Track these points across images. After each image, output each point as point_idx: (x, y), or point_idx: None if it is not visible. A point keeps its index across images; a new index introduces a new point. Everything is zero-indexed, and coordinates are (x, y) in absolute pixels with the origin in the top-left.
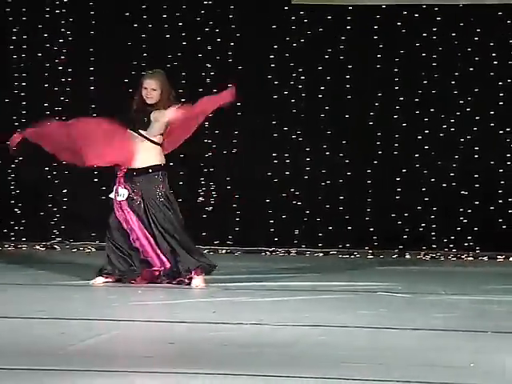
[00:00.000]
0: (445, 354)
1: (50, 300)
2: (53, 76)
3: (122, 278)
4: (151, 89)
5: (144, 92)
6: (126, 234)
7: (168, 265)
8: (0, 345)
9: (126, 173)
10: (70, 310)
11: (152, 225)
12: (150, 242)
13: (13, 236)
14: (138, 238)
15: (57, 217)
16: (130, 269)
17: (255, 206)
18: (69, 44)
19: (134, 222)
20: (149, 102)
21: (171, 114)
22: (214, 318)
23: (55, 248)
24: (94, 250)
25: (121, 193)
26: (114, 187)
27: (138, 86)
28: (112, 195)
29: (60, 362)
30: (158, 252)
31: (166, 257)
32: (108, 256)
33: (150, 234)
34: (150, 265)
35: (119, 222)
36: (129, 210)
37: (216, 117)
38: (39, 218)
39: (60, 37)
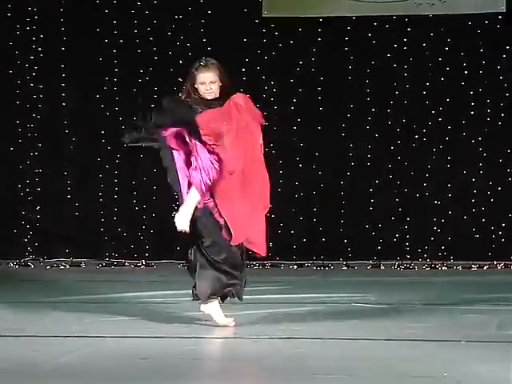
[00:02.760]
0: (418, 364)
1: (23, 317)
2: (24, 93)
3: None
4: (210, 82)
5: (202, 88)
6: None
7: None
8: None
9: None
10: (42, 328)
11: None
12: None
13: None
14: None
15: (30, 234)
16: None
17: None
18: (39, 60)
19: None
20: (209, 97)
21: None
22: (187, 333)
23: (29, 265)
24: (67, 266)
25: None
26: None
27: (187, 81)
28: None
29: (33, 379)
30: None
31: None
32: None
33: None
34: None
35: None
36: None
37: None
38: (12, 235)
39: (31, 53)
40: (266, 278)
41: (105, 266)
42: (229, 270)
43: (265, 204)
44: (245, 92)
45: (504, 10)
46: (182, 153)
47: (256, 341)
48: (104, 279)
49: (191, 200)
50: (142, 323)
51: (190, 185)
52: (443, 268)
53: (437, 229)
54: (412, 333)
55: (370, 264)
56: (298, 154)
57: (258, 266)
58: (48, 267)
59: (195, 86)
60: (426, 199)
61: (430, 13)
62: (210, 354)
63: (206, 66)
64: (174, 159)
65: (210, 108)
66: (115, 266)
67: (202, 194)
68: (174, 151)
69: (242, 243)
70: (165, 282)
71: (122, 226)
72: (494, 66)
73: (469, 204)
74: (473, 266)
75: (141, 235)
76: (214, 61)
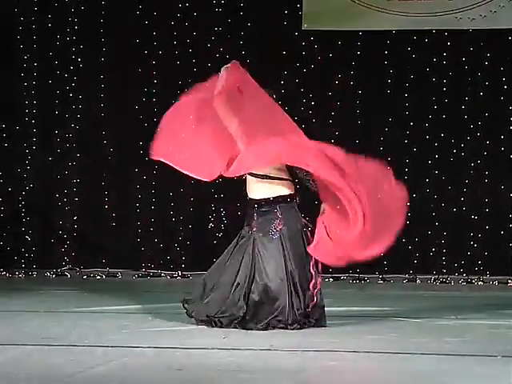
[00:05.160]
0: (455, 379)
1: (60, 327)
2: (63, 103)
3: None
4: None
5: None
6: None
7: None
8: (10, 371)
9: None
10: (80, 337)
11: None
12: None
13: (23, 263)
14: None
15: (67, 244)
16: None
17: None
18: (79, 70)
19: None
20: None
21: None
22: (223, 344)
23: (66, 275)
24: (104, 277)
25: None
26: None
27: None
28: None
29: None
30: None
31: None
32: None
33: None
34: None
35: None
36: None
37: None
38: (50, 245)
39: (70, 64)
40: None
41: (141, 276)
42: None
43: None
44: (283, 105)
45: None
46: None
47: (292, 353)
48: (140, 290)
49: None
50: (178, 334)
51: None
52: (479, 283)
53: (473, 243)
54: (449, 347)
55: (406, 278)
56: None
57: None
58: (84, 277)
59: None
60: (462, 214)
61: (471, 27)
62: (246, 366)
63: None
64: None
65: None
66: (151, 276)
67: None
68: None
69: None
70: None
71: (159, 236)
72: None
73: (506, 219)
74: (509, 281)
75: (177, 246)
76: None
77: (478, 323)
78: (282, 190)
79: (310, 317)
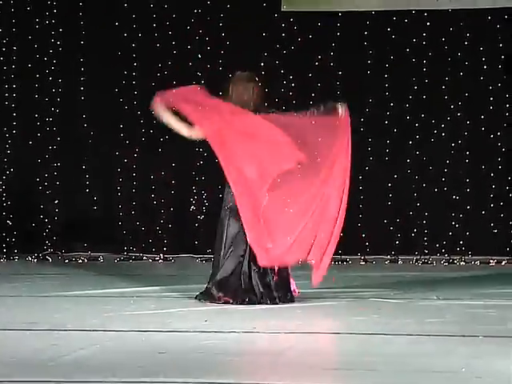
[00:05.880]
0: (437, 359)
1: (42, 311)
2: (43, 86)
3: None
4: None
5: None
6: None
7: None
8: None
9: None
10: (62, 321)
11: None
12: None
13: (4, 248)
14: None
15: (48, 228)
16: None
17: None
18: (58, 54)
19: None
20: None
21: None
22: (205, 327)
23: (47, 259)
24: (86, 260)
25: None
26: None
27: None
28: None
29: (51, 373)
30: None
31: None
32: None
33: None
34: None
35: None
36: None
37: None
38: (31, 229)
39: (50, 47)
40: None
41: (123, 260)
42: None
43: None
44: (263, 86)
45: None
46: None
47: (275, 335)
48: (122, 273)
49: None
50: (160, 317)
51: None
52: (461, 263)
53: (455, 224)
54: (430, 328)
55: (387, 259)
56: None
57: None
58: (66, 261)
59: None
60: (444, 194)
61: (449, 7)
62: (229, 349)
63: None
64: None
65: None
66: (133, 260)
67: None
68: None
69: None
70: (183, 276)
71: (140, 219)
72: None
73: (487, 199)
74: (491, 261)
75: (159, 229)
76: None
77: (459, 303)
78: None
79: (275, 292)
